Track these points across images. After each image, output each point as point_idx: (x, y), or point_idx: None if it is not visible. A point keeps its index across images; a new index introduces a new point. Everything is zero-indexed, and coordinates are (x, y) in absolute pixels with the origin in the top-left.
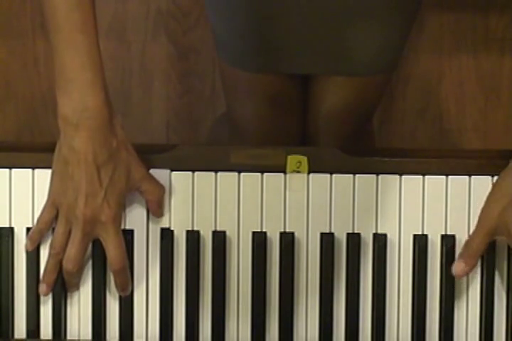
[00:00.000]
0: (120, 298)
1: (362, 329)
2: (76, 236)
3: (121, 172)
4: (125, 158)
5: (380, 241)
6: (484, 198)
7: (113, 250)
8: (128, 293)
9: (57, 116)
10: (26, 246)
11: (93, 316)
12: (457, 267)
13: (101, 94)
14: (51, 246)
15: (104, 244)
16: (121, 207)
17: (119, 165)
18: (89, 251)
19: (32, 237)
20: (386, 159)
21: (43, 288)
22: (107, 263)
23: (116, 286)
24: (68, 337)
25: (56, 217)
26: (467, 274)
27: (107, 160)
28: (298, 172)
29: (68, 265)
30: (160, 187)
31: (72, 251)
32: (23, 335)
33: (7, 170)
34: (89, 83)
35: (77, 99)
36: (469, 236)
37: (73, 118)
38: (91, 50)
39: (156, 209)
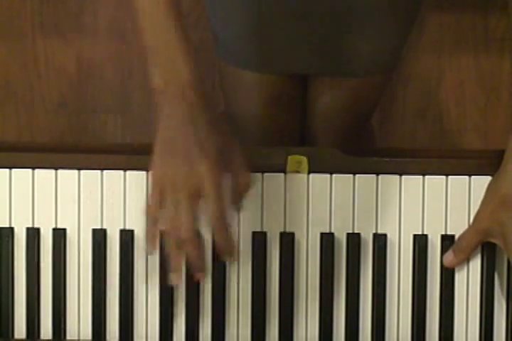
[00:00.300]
0: (120, 298)
1: (362, 329)
2: (183, 206)
3: (214, 132)
4: (223, 125)
5: (380, 241)
6: None
7: (213, 204)
8: (231, 258)
9: (154, 91)
10: (147, 250)
11: (93, 316)
12: (446, 258)
13: (191, 63)
14: (166, 225)
15: (206, 201)
16: (219, 163)
17: (219, 133)
18: (89, 251)
19: (149, 234)
20: (386, 159)
21: (173, 277)
22: (107, 263)
23: (217, 247)
24: (68, 337)
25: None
26: (456, 266)
27: (207, 129)
28: (298, 172)
29: (184, 234)
30: (246, 176)
31: (182, 220)
32: (23, 335)
33: (7, 170)
34: (175, 50)
35: (164, 71)
36: (462, 233)
37: (165, 89)
38: (176, 28)
39: (244, 176)
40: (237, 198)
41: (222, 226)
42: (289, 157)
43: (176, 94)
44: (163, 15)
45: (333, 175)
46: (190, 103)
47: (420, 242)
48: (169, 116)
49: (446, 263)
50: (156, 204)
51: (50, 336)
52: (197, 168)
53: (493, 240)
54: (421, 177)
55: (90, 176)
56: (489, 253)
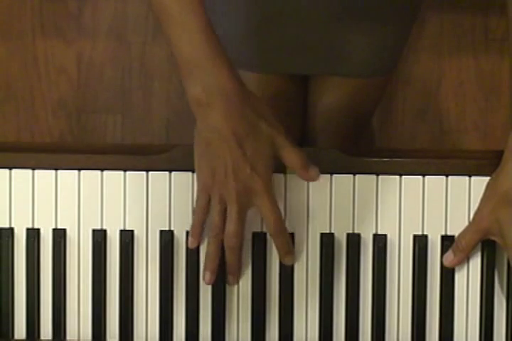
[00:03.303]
0: (120, 298)
1: (362, 329)
2: (232, 210)
3: (263, 142)
4: (265, 129)
5: (380, 242)
6: None
7: (271, 215)
8: (292, 258)
9: (189, 101)
10: (190, 243)
11: (93, 316)
12: (447, 258)
13: (224, 68)
14: (211, 230)
15: (260, 211)
16: (271, 174)
17: (260, 136)
18: (89, 251)
19: (194, 232)
20: (386, 159)
21: (207, 276)
22: (106, 263)
23: (279, 250)
24: (68, 337)
25: (209, 203)
26: (457, 265)
27: (247, 133)
28: None
29: (231, 241)
30: (299, 153)
31: (231, 226)
32: (23, 335)
33: (7, 170)
34: (211, 60)
35: (202, 78)
36: (461, 231)
37: (204, 98)
38: (205, 28)
39: (303, 174)
40: (305, 174)
41: (282, 229)
42: None
43: (217, 104)
44: (196, 26)
45: (333, 176)
46: (239, 113)
47: (420, 242)
48: (214, 128)
49: (446, 263)
50: (204, 204)
51: (50, 336)
52: (250, 185)
53: (492, 238)
54: (421, 177)
55: (90, 176)
56: (489, 252)
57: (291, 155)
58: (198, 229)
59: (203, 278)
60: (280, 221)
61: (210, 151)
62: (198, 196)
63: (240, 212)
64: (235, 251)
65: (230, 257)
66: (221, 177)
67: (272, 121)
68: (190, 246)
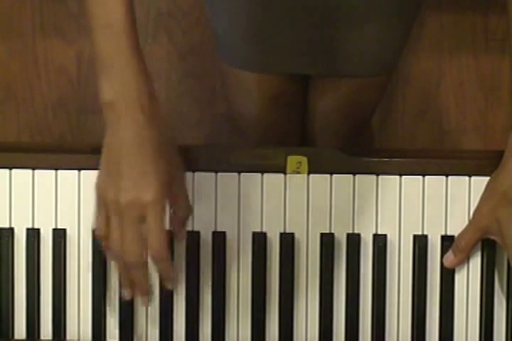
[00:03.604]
0: (120, 298)
1: (362, 329)
2: (126, 226)
3: (165, 157)
4: (168, 149)
5: (380, 242)
6: None
7: (155, 240)
8: (173, 284)
9: (101, 104)
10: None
11: (93, 316)
12: (447, 259)
13: (140, 77)
14: (110, 246)
15: (147, 231)
16: (165, 195)
17: (164, 150)
18: (89, 251)
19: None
20: (386, 159)
21: (126, 291)
22: (106, 263)
23: (160, 275)
24: (68, 338)
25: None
26: (457, 265)
27: (150, 145)
28: (298, 172)
29: (130, 258)
30: (187, 205)
31: (127, 244)
32: (23, 335)
33: (7, 170)
34: (128, 66)
35: (116, 84)
36: (460, 231)
37: (115, 104)
38: (127, 33)
39: (178, 227)
40: (179, 228)
41: (164, 257)
42: (289, 157)
43: (125, 110)
44: (118, 23)
45: (333, 176)
46: (139, 122)
47: (420, 242)
48: (115, 135)
49: (446, 264)
50: (105, 223)
51: (50, 336)
52: (142, 195)
53: (492, 237)
54: (421, 177)
55: (90, 176)
56: (489, 252)
57: (185, 190)
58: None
59: (123, 295)
60: (164, 247)
61: (110, 159)
62: (96, 210)
63: (132, 229)
64: (137, 267)
65: (135, 274)
66: (115, 188)
67: (174, 142)
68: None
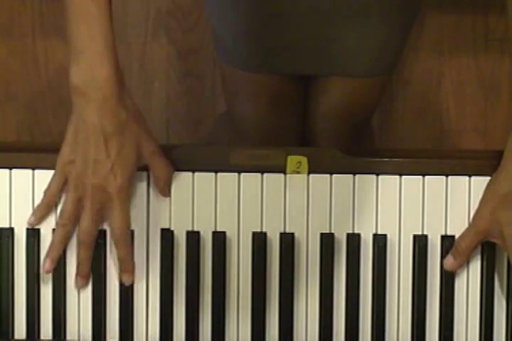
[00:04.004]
0: (120, 298)
1: (362, 329)
2: (87, 205)
3: (130, 144)
4: (135, 130)
5: (380, 242)
6: None
7: (117, 223)
8: (130, 279)
9: (69, 87)
10: (29, 220)
11: (93, 316)
12: (447, 262)
13: (109, 65)
14: (59, 216)
15: (110, 215)
16: (130, 181)
17: (128, 138)
18: None
19: (38, 212)
20: (386, 159)
21: (47, 264)
22: (107, 263)
23: (119, 263)
24: (68, 337)
25: (63, 189)
26: (458, 268)
27: (115, 132)
28: (298, 172)
29: (82, 236)
30: (168, 166)
31: (84, 222)
32: (23, 335)
33: (7, 170)
34: (99, 54)
35: (85, 70)
36: (460, 234)
37: (82, 89)
38: (101, 21)
39: (162, 187)
40: (163, 188)
41: (125, 243)
42: (289, 157)
43: (92, 97)
44: (93, 10)
45: (333, 176)
46: (105, 109)
47: (420, 242)
48: (83, 120)
49: (446, 267)
50: (57, 188)
51: (50, 336)
52: (105, 186)
53: (492, 240)
54: (421, 177)
55: None
56: (489, 253)
57: (159, 165)
58: (43, 210)
59: (42, 266)
60: (126, 231)
61: (76, 140)
62: (52, 179)
63: (92, 209)
64: (85, 246)
65: (81, 252)
66: (80, 167)
67: (145, 127)
68: (30, 223)
